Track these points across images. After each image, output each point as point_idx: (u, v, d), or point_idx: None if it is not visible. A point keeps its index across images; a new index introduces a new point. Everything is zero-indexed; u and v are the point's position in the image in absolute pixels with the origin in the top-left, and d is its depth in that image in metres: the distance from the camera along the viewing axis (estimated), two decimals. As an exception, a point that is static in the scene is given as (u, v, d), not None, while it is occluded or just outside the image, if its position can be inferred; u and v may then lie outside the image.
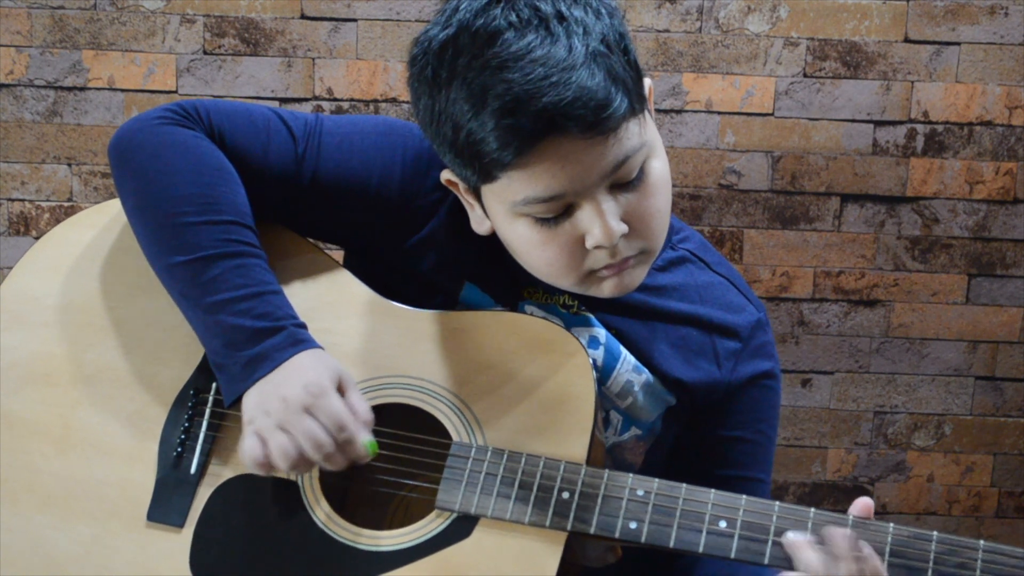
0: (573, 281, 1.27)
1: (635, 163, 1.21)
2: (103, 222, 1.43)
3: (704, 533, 1.20)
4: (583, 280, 1.27)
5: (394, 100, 2.76)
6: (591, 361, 1.29)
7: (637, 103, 1.20)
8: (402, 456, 1.30)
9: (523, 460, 1.25)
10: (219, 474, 1.31)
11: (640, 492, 1.23)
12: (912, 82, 2.76)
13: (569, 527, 1.22)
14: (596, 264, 1.25)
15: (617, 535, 1.22)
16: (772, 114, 2.78)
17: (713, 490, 1.22)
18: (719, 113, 2.77)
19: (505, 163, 1.17)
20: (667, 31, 2.74)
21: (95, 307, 1.38)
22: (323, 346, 1.29)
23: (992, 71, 2.76)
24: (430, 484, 1.28)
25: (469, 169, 1.21)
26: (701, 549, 1.20)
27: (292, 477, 1.29)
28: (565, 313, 1.37)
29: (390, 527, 1.28)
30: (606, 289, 1.27)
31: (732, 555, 1.19)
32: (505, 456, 1.26)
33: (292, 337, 1.27)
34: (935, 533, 1.17)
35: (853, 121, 2.78)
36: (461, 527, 1.25)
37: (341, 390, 1.26)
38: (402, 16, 2.73)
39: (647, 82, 1.25)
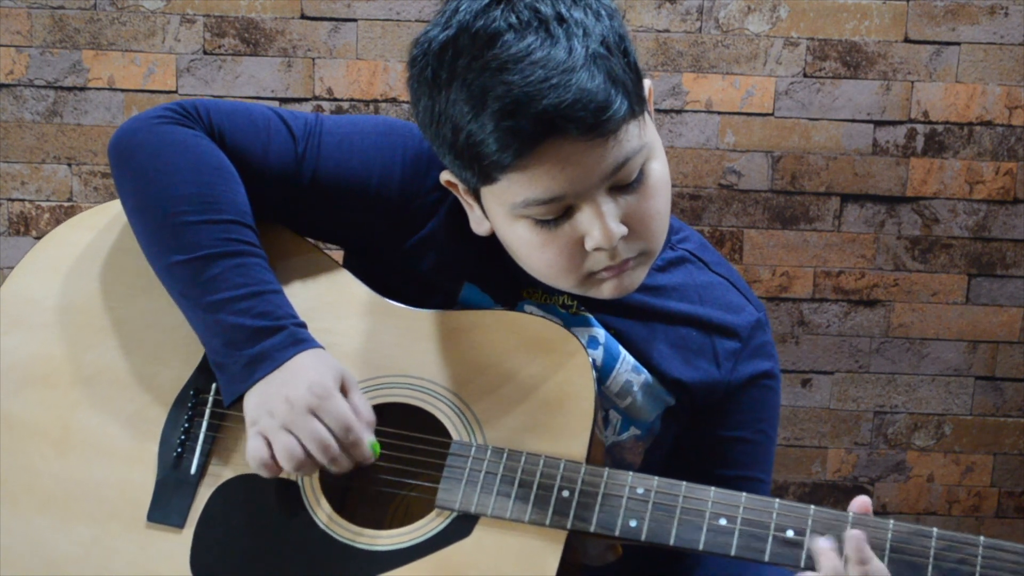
0: (573, 282, 1.27)
1: (635, 165, 1.21)
2: (103, 223, 1.43)
3: (704, 530, 1.20)
4: (583, 281, 1.27)
5: (394, 100, 2.76)
6: (591, 360, 1.29)
7: (637, 105, 1.20)
8: (402, 455, 1.30)
9: (523, 459, 1.25)
10: (219, 474, 1.31)
11: (640, 490, 1.23)
12: (912, 82, 2.76)
13: (569, 525, 1.22)
14: (596, 266, 1.25)
15: (617, 533, 1.22)
16: (772, 114, 2.78)
17: (713, 488, 1.22)
18: (719, 113, 2.77)
19: (505, 165, 1.17)
20: (667, 31, 2.74)
21: (95, 308, 1.38)
22: (323, 346, 1.29)
23: (992, 71, 2.76)
24: (430, 483, 1.28)
25: (469, 171, 1.21)
26: (701, 546, 1.20)
27: (295, 478, 1.29)
28: (564, 313, 1.37)
29: (390, 526, 1.28)
30: (606, 290, 1.28)
31: (732, 552, 1.19)
32: (505, 455, 1.26)
33: (293, 337, 1.27)
34: (935, 529, 1.17)
35: (853, 121, 2.78)
36: (461, 526, 1.25)
37: (344, 391, 1.26)
38: (402, 16, 2.73)
39: (647, 83, 1.25)
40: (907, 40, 2.75)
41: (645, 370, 1.37)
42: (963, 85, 2.76)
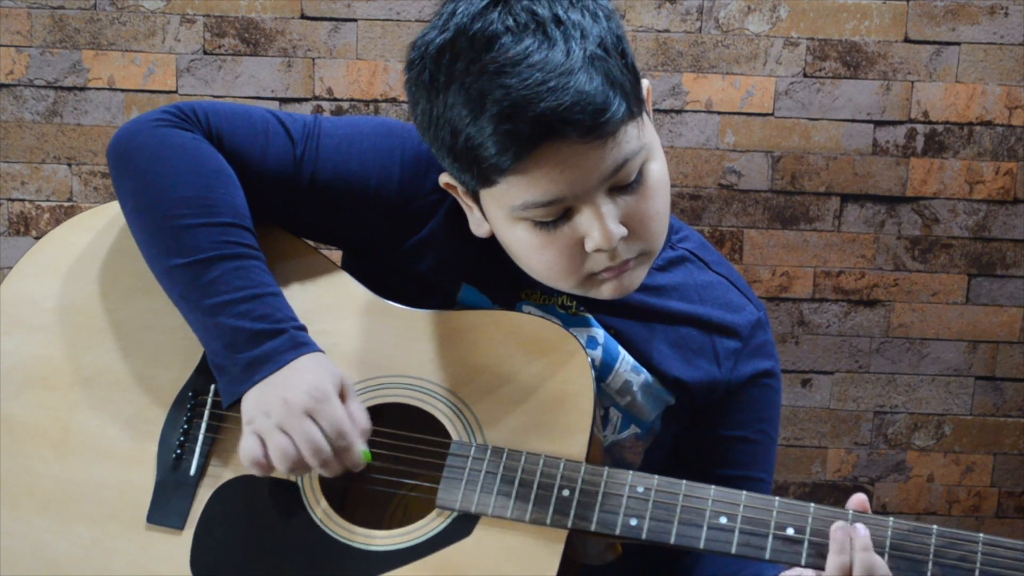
0: (573, 284, 1.27)
1: (634, 166, 1.21)
2: (101, 224, 1.43)
3: (705, 528, 1.20)
4: (583, 282, 1.27)
5: (394, 100, 2.76)
6: (590, 360, 1.29)
7: (635, 106, 1.20)
8: (402, 456, 1.30)
9: (523, 459, 1.25)
10: (219, 475, 1.31)
11: (640, 489, 1.23)
12: (912, 82, 2.76)
13: (570, 525, 1.22)
14: (596, 267, 1.25)
15: (618, 532, 1.22)
16: (772, 114, 2.78)
17: (713, 486, 1.22)
18: (719, 113, 2.78)
19: (503, 168, 1.17)
20: (667, 31, 2.74)
21: (94, 309, 1.38)
22: (323, 348, 1.29)
23: (992, 71, 2.76)
24: (430, 483, 1.28)
25: (467, 173, 1.21)
26: (702, 545, 1.20)
27: (291, 478, 1.29)
28: (563, 314, 1.37)
29: (389, 526, 1.28)
30: (606, 291, 1.28)
31: (733, 550, 1.19)
32: (505, 455, 1.26)
33: (293, 340, 1.27)
34: (935, 527, 1.17)
35: (853, 121, 2.78)
36: (462, 526, 1.25)
37: (342, 397, 1.26)
38: (402, 16, 2.73)
39: (645, 83, 1.25)
40: (907, 40, 2.75)
41: (644, 370, 1.37)
42: (963, 85, 2.76)
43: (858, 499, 1.20)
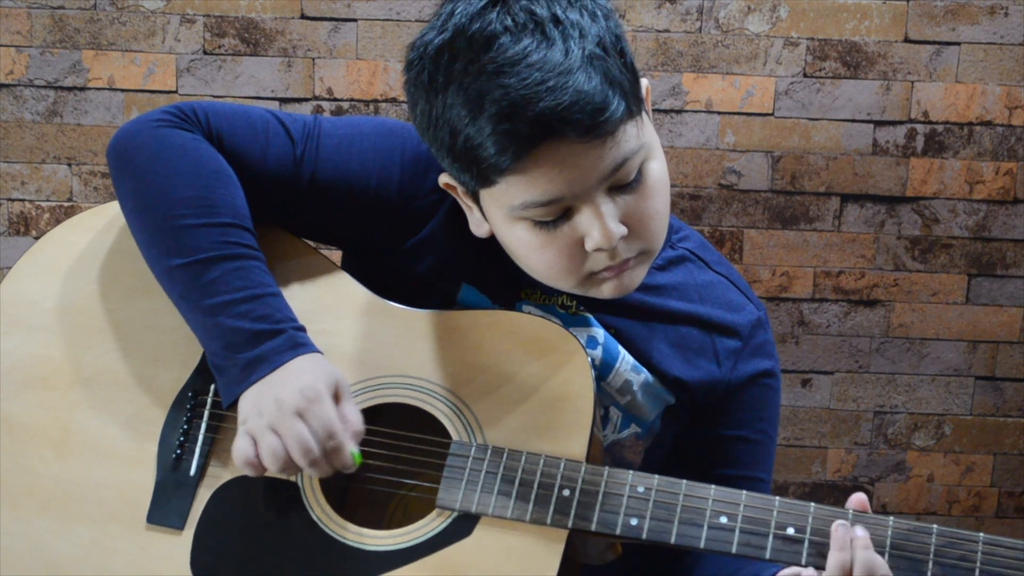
0: (573, 283, 1.27)
1: (633, 165, 1.21)
2: (101, 224, 1.43)
3: (705, 528, 1.20)
4: (583, 282, 1.27)
5: (394, 100, 2.76)
6: (590, 360, 1.29)
7: (634, 105, 1.20)
8: (402, 456, 1.30)
9: (523, 459, 1.25)
10: (218, 475, 1.31)
11: (640, 488, 1.23)
12: (912, 82, 2.76)
13: (570, 524, 1.22)
14: (596, 266, 1.25)
15: (618, 532, 1.22)
16: (772, 114, 2.78)
17: (713, 486, 1.22)
18: (719, 113, 2.78)
19: (503, 168, 1.17)
20: (667, 31, 2.74)
21: (93, 310, 1.38)
22: (322, 348, 1.29)
23: (992, 71, 2.76)
24: (430, 483, 1.28)
25: (467, 174, 1.21)
26: (702, 544, 1.20)
27: (289, 478, 1.29)
28: (563, 314, 1.37)
29: (389, 526, 1.28)
30: (606, 290, 1.28)
31: (733, 550, 1.19)
32: (505, 455, 1.26)
33: (292, 340, 1.27)
34: (935, 526, 1.17)
35: (853, 121, 2.78)
36: (462, 526, 1.25)
37: (337, 397, 1.26)
38: (402, 16, 2.73)
39: (644, 83, 1.25)
40: (907, 40, 2.75)
41: (645, 369, 1.37)
42: (963, 85, 2.76)
43: (858, 499, 1.20)
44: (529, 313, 1.36)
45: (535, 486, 1.24)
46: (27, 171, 2.78)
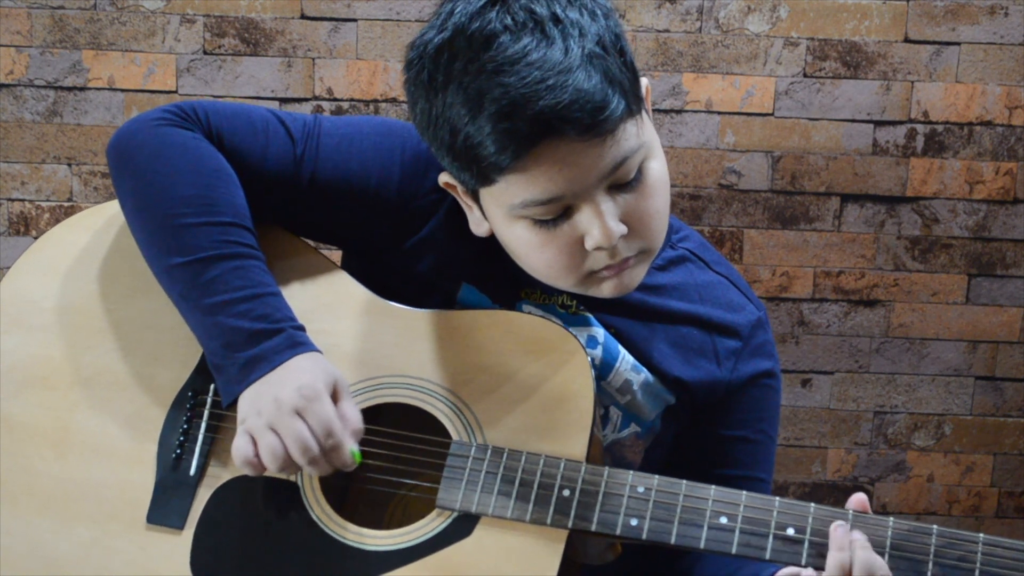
0: (573, 282, 1.27)
1: (633, 164, 1.21)
2: (100, 224, 1.42)
3: (705, 528, 1.20)
4: (583, 281, 1.27)
5: (394, 100, 2.76)
6: (589, 359, 1.29)
7: (634, 104, 1.20)
8: (402, 455, 1.30)
9: (523, 459, 1.25)
10: (218, 475, 1.31)
11: (640, 489, 1.23)
12: (912, 82, 2.76)
13: (570, 525, 1.22)
14: (596, 265, 1.25)
15: (618, 532, 1.22)
16: (772, 114, 2.78)
17: (713, 486, 1.22)
18: (719, 113, 2.78)
19: (503, 167, 1.17)
20: (667, 31, 2.74)
21: (93, 309, 1.38)
22: (321, 347, 1.29)
23: (992, 71, 2.76)
24: (430, 483, 1.28)
25: (467, 172, 1.21)
26: (702, 545, 1.20)
27: (289, 477, 1.29)
28: (563, 313, 1.37)
29: (388, 526, 1.28)
30: (606, 289, 1.28)
31: (733, 550, 1.19)
32: (505, 455, 1.26)
33: (291, 340, 1.27)
34: (935, 527, 1.17)
35: (853, 121, 2.78)
36: (462, 526, 1.25)
37: (336, 396, 1.26)
38: (402, 16, 2.73)
39: (644, 82, 1.25)
40: (907, 40, 2.75)
41: (645, 369, 1.37)
42: (963, 85, 2.76)
43: (858, 499, 1.20)
44: (529, 313, 1.36)
45: (535, 486, 1.24)
46: (27, 171, 2.78)
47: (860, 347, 2.87)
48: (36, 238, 2.67)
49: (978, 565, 1.15)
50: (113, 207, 1.41)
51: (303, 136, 1.36)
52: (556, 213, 1.21)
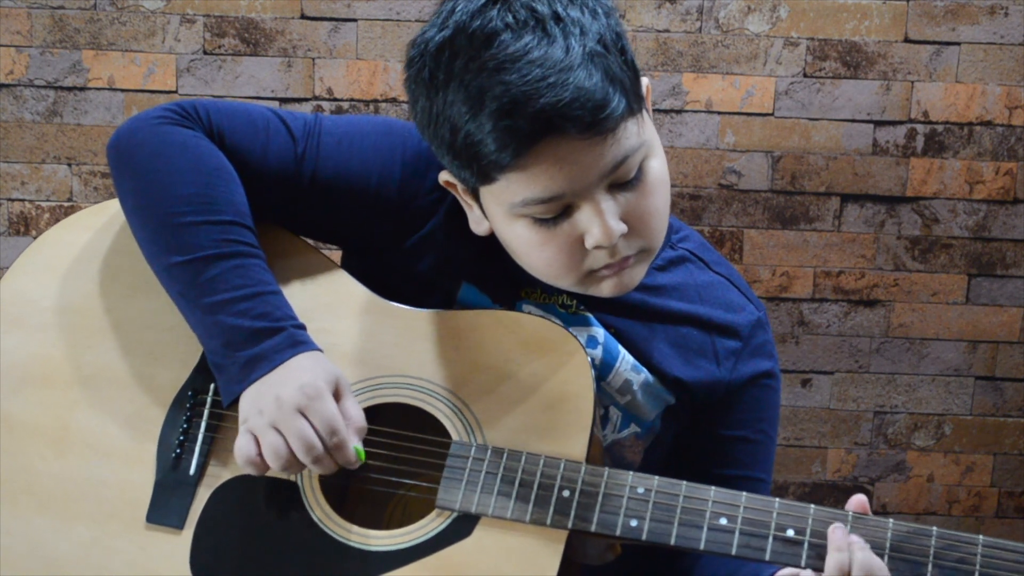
0: (573, 281, 1.27)
1: (633, 163, 1.21)
2: (100, 223, 1.42)
3: (705, 530, 1.20)
4: (583, 280, 1.27)
5: (394, 100, 2.76)
6: (589, 360, 1.29)
7: (635, 103, 1.20)
8: (401, 455, 1.30)
9: (523, 459, 1.25)
10: (218, 475, 1.31)
11: (640, 490, 1.23)
12: (912, 82, 2.76)
13: (570, 525, 1.22)
14: (596, 264, 1.25)
15: (618, 533, 1.22)
16: (772, 114, 2.78)
17: (713, 487, 1.22)
18: (719, 113, 2.78)
19: (503, 165, 1.17)
20: (667, 31, 2.74)
21: (93, 308, 1.38)
22: (322, 347, 1.29)
23: (992, 71, 2.76)
24: (430, 484, 1.28)
25: (467, 171, 1.21)
26: (702, 546, 1.20)
27: (289, 477, 1.29)
28: (563, 313, 1.37)
29: (388, 526, 1.28)
30: (606, 289, 1.28)
31: (733, 551, 1.19)
32: (505, 455, 1.26)
33: (291, 338, 1.27)
34: (934, 528, 1.17)
35: (853, 121, 2.78)
36: (462, 526, 1.24)
37: (337, 394, 1.26)
38: (402, 16, 2.73)
39: (644, 81, 1.25)
40: (907, 40, 2.75)
41: (645, 369, 1.37)
42: (963, 85, 2.76)
43: (858, 500, 1.20)
44: (529, 312, 1.36)
45: (535, 487, 1.24)
46: (27, 171, 2.78)
47: (860, 347, 2.87)
48: (36, 238, 2.68)
49: (977, 567, 1.15)
50: (113, 206, 1.41)
51: (304, 135, 1.36)
52: (556, 212, 1.21)
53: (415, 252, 1.37)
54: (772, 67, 2.75)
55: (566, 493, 1.23)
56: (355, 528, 1.27)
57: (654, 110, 2.67)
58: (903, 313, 2.86)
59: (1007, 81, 2.76)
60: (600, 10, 1.19)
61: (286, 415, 1.22)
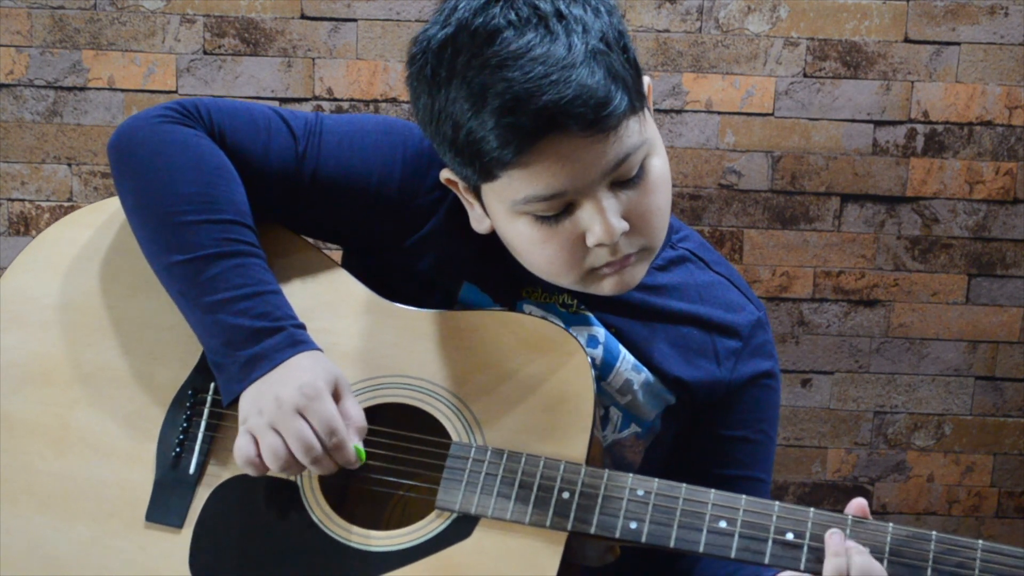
0: (574, 279, 1.27)
1: (635, 160, 1.21)
2: (100, 221, 1.42)
3: (704, 532, 1.20)
4: (584, 278, 1.27)
5: (394, 100, 2.76)
6: (590, 360, 1.29)
7: (637, 101, 1.20)
8: (401, 456, 1.30)
9: (523, 460, 1.25)
10: (218, 474, 1.31)
11: (640, 492, 1.23)
12: (912, 82, 2.76)
13: (570, 527, 1.22)
14: (597, 262, 1.25)
15: (617, 535, 1.22)
16: (772, 114, 2.78)
17: (713, 490, 1.22)
18: (719, 113, 2.77)
19: (505, 162, 1.17)
20: (667, 31, 2.74)
21: (93, 307, 1.38)
22: (322, 346, 1.29)
23: (992, 71, 2.76)
24: (429, 484, 1.28)
25: (469, 168, 1.21)
26: (701, 549, 1.20)
27: (289, 477, 1.29)
28: (564, 312, 1.37)
29: (387, 526, 1.28)
30: (607, 287, 1.28)
31: (732, 555, 1.19)
32: (505, 456, 1.26)
33: (291, 338, 1.27)
34: (934, 533, 1.17)
35: (853, 121, 2.78)
36: (461, 527, 1.25)
37: (337, 395, 1.26)
38: (402, 16, 2.73)
39: (646, 80, 1.25)
40: (907, 40, 2.75)
41: (645, 369, 1.37)
42: (963, 85, 2.76)
43: (857, 504, 1.20)
44: (530, 312, 1.36)
45: (535, 488, 1.24)
46: (27, 171, 2.78)
47: (860, 347, 2.87)
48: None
49: (977, 572, 1.15)
50: (114, 204, 1.41)
51: (305, 133, 1.36)
52: (558, 209, 1.21)
53: (416, 251, 1.37)
54: (772, 67, 2.75)
55: (566, 495, 1.23)
56: (355, 528, 1.27)
57: (654, 110, 2.68)
58: (903, 313, 2.86)
59: (1007, 81, 2.76)
60: (602, 8, 1.19)
61: (285, 416, 1.22)
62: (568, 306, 1.38)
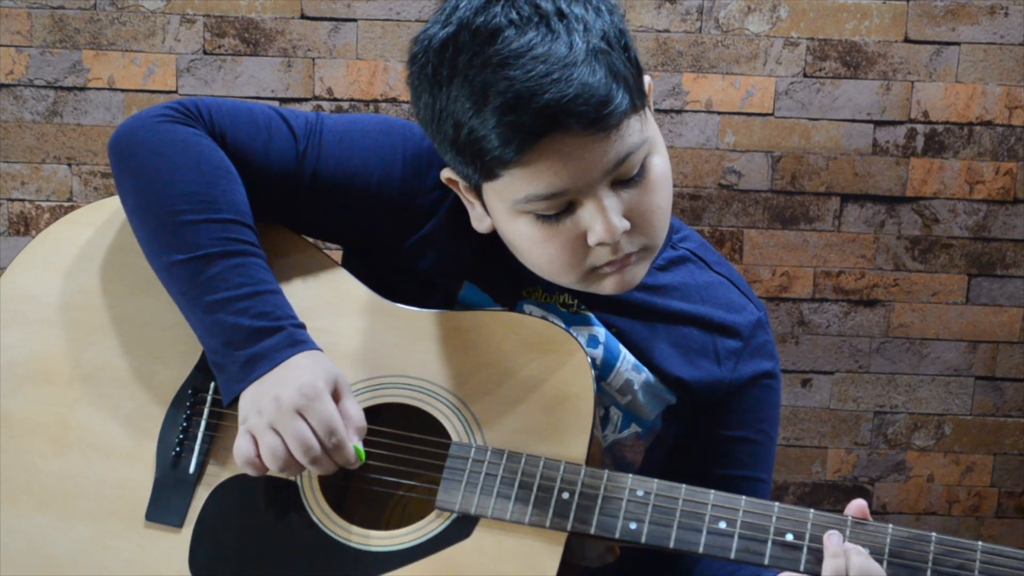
0: (575, 278, 1.27)
1: (636, 159, 1.21)
2: (100, 220, 1.42)
3: (704, 533, 1.20)
4: (585, 277, 1.27)
5: (394, 100, 2.76)
6: (590, 360, 1.29)
7: (638, 99, 1.20)
8: (401, 456, 1.30)
9: (523, 460, 1.25)
10: (217, 474, 1.31)
11: (640, 492, 1.23)
12: (912, 82, 2.76)
13: (569, 527, 1.22)
14: (598, 261, 1.25)
15: (617, 535, 1.22)
16: (772, 114, 2.78)
17: (712, 491, 1.22)
18: (719, 113, 2.77)
19: (507, 161, 1.17)
20: (667, 31, 2.74)
21: (94, 305, 1.38)
22: (322, 346, 1.29)
23: (992, 71, 2.76)
24: (429, 484, 1.28)
25: (470, 167, 1.21)
26: (701, 549, 1.20)
27: (289, 477, 1.29)
28: (564, 312, 1.37)
29: (387, 526, 1.28)
30: (607, 286, 1.28)
31: (732, 555, 1.19)
32: (505, 456, 1.26)
33: (291, 338, 1.27)
34: (934, 534, 1.17)
35: (853, 121, 2.78)
36: (461, 527, 1.25)
37: (336, 395, 1.26)
38: (402, 16, 2.73)
39: (647, 79, 1.25)
40: (907, 40, 2.75)
41: (646, 369, 1.37)
42: (963, 85, 2.76)
43: (857, 505, 1.20)
44: (530, 312, 1.36)
45: (534, 488, 1.24)
46: (27, 171, 2.78)
47: (860, 347, 2.87)
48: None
49: (977, 573, 1.15)
50: (114, 203, 1.41)
51: (306, 133, 1.36)
52: (559, 208, 1.21)
53: (416, 251, 1.37)
54: (772, 67, 2.75)
55: (565, 495, 1.23)
56: (354, 528, 1.27)
57: (654, 110, 2.68)
58: (903, 313, 2.86)
59: (1007, 81, 2.76)
60: (604, 7, 1.19)
61: (284, 416, 1.22)
62: (568, 306, 1.38)
